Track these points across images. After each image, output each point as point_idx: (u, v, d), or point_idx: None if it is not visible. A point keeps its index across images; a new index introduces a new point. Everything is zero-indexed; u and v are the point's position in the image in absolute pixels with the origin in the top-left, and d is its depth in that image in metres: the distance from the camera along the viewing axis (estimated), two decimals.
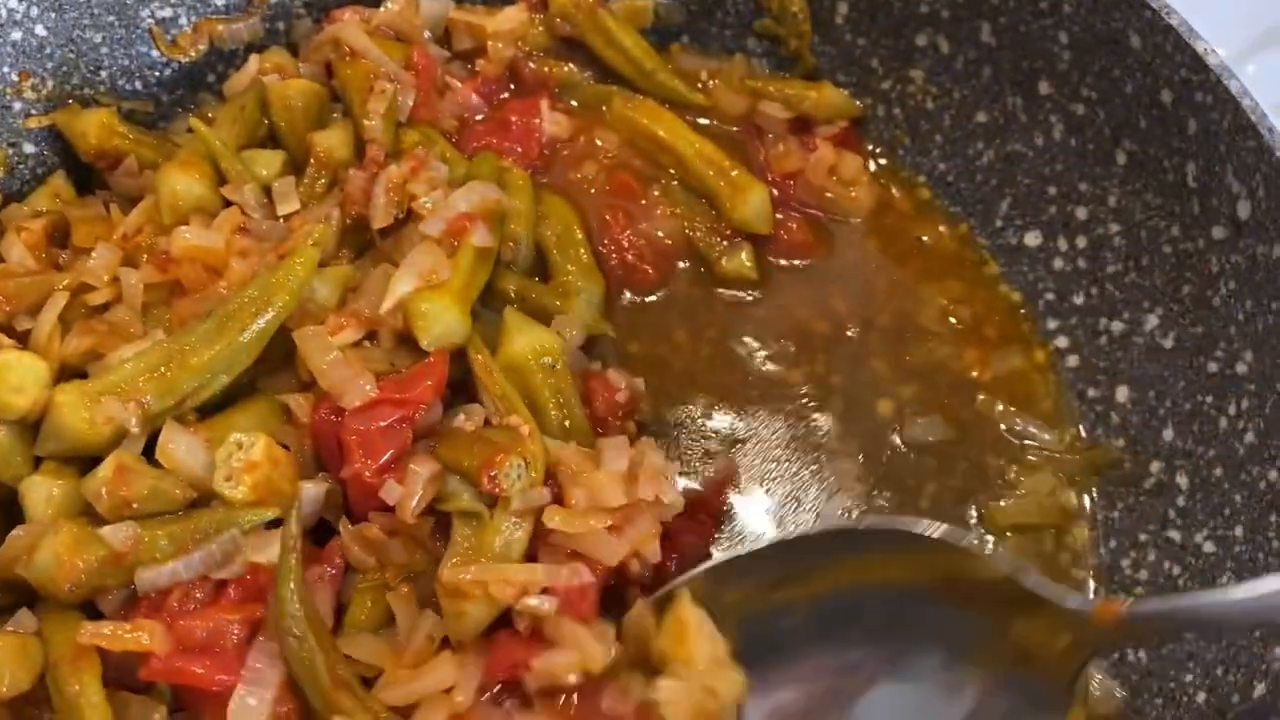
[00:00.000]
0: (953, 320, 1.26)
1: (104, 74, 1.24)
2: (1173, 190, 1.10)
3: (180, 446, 0.95)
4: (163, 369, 0.98)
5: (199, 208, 1.12)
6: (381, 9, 1.27)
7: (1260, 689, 0.94)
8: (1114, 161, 1.15)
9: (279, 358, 1.03)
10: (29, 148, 1.20)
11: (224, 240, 1.08)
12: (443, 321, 1.02)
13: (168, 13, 1.25)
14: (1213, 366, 1.08)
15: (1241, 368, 1.04)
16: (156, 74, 1.27)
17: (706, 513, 1.13)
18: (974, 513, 1.16)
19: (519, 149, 1.26)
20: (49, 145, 1.22)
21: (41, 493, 0.94)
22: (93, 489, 0.93)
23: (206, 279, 1.08)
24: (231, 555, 0.92)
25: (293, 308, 1.01)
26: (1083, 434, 1.19)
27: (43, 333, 1.04)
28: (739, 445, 1.18)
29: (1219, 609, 0.79)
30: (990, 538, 1.14)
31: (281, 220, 1.14)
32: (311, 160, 1.17)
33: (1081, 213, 1.20)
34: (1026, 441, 1.19)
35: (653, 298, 1.25)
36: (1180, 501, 1.09)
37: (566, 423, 1.05)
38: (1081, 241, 1.21)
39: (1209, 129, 1.04)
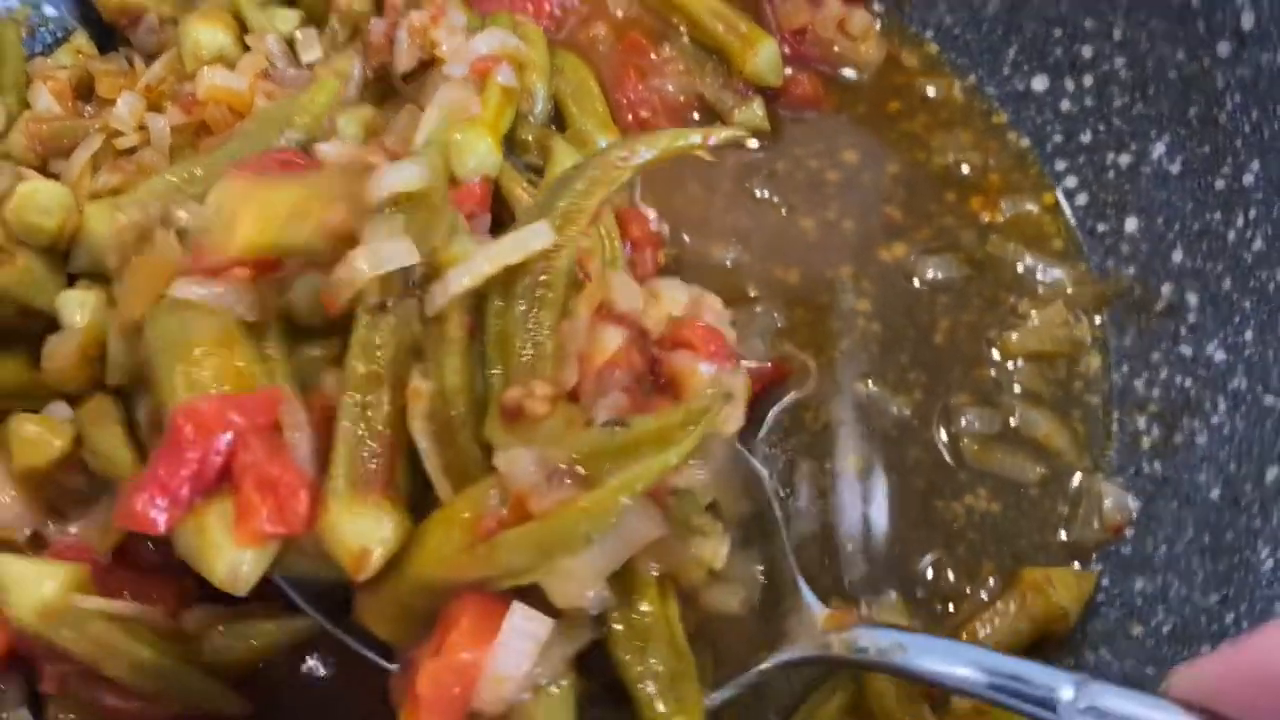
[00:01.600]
0: (964, 169, 1.28)
1: None
2: (1177, 14, 1.12)
3: None
4: (187, 187, 1.00)
5: (221, 57, 1.15)
6: None
7: (1273, 472, 0.96)
8: None
9: None
10: (49, 10, 1.22)
11: (249, 82, 1.10)
12: (477, 151, 1.03)
13: None
14: (1220, 183, 1.10)
15: (1248, 178, 1.07)
16: None
17: None
18: (988, 344, 1.18)
19: (530, 8, 1.28)
20: (69, 7, 1.24)
21: (75, 301, 0.96)
22: None
23: (232, 120, 1.10)
24: None
25: (314, 130, 1.03)
26: (1092, 267, 1.21)
27: (75, 169, 1.07)
28: (756, 297, 1.20)
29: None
30: (1007, 363, 1.16)
31: (306, 68, 1.16)
32: (332, 12, 1.19)
33: (1087, 50, 1.22)
34: (1038, 277, 1.21)
35: None
36: (1191, 318, 1.11)
37: (608, 254, 1.06)
38: (1088, 80, 1.23)
39: None
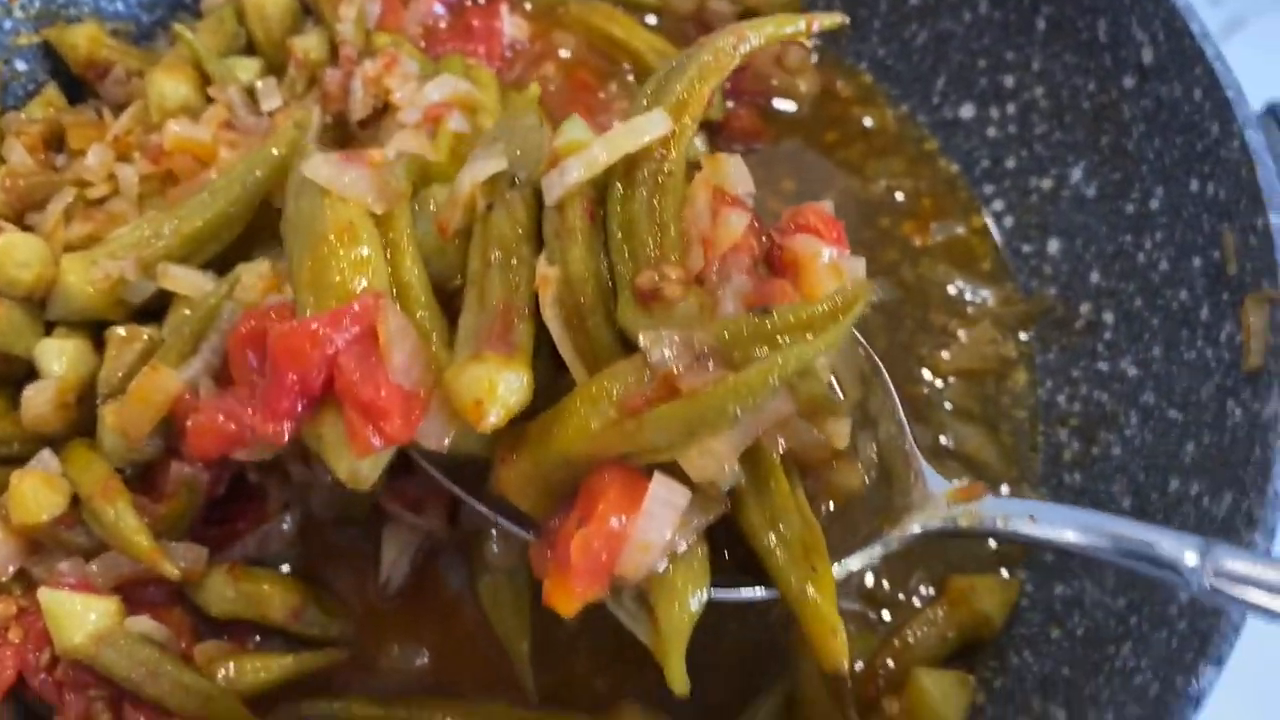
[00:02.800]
0: (897, 195, 1.35)
1: None
2: (1087, 48, 1.19)
3: (183, 272, 1.05)
4: (158, 238, 1.06)
5: (185, 107, 1.21)
6: None
7: (1174, 483, 1.03)
8: (1034, 28, 1.24)
9: (271, 231, 1.11)
10: (21, 65, 1.28)
11: (212, 132, 1.17)
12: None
13: None
14: (1130, 208, 1.17)
15: (1154, 203, 1.14)
16: None
17: None
18: (919, 363, 1.24)
19: (481, 51, 1.35)
20: (40, 62, 1.29)
21: (53, 350, 1.03)
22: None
23: (197, 168, 1.16)
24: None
25: (275, 178, 1.08)
26: (1019, 287, 1.28)
27: (49, 221, 1.12)
28: None
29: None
30: (938, 381, 1.23)
31: (266, 116, 1.22)
32: (291, 63, 1.25)
33: (1009, 80, 1.29)
34: (967, 297, 1.28)
35: None
36: (1107, 335, 1.18)
37: None
38: (1011, 108, 1.30)
39: None
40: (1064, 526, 0.84)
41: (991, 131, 1.32)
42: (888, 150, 1.37)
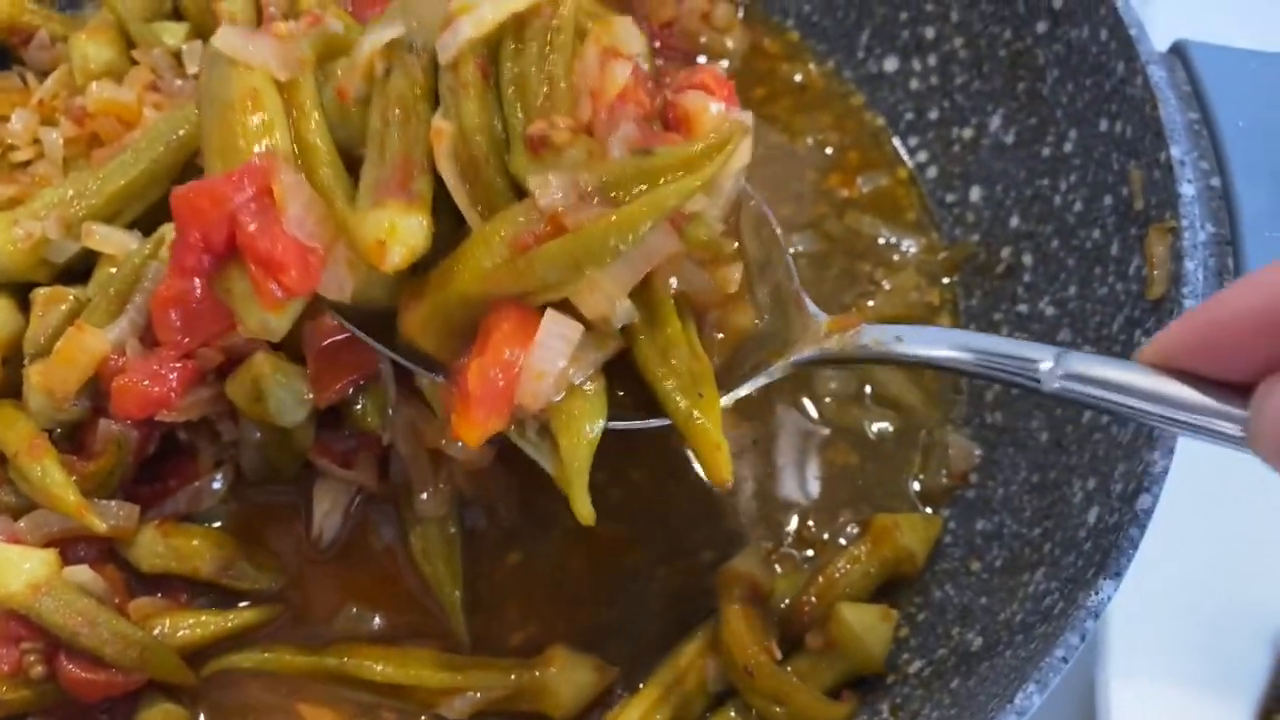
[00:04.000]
0: (827, 150, 1.37)
1: None
2: None
3: (107, 231, 1.06)
4: (81, 197, 1.07)
5: (110, 71, 1.21)
6: None
7: (1088, 414, 1.05)
8: None
9: None
10: None
11: (136, 94, 1.17)
12: None
13: None
14: (1046, 151, 1.19)
15: (1068, 146, 1.16)
16: None
17: None
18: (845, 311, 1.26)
19: None
20: None
21: None
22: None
23: (122, 131, 1.16)
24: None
25: (199, 137, 1.09)
26: (942, 235, 1.30)
27: None
28: None
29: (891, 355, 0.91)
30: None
31: (192, 79, 1.22)
32: (217, 26, 1.25)
33: (929, 32, 1.31)
34: (894, 246, 1.30)
35: None
36: (1026, 278, 1.20)
37: None
38: (932, 60, 1.32)
39: None
40: (931, 344, 0.89)
41: (914, 84, 1.34)
42: (815, 105, 1.39)
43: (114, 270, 1.05)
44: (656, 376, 0.87)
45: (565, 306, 0.83)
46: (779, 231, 1.01)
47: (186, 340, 0.97)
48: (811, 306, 0.98)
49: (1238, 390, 0.71)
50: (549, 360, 0.82)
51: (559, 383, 0.83)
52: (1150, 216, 1.02)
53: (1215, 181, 1.03)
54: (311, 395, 1.02)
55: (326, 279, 0.83)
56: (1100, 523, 0.92)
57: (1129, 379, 0.77)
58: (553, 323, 0.82)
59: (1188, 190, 0.98)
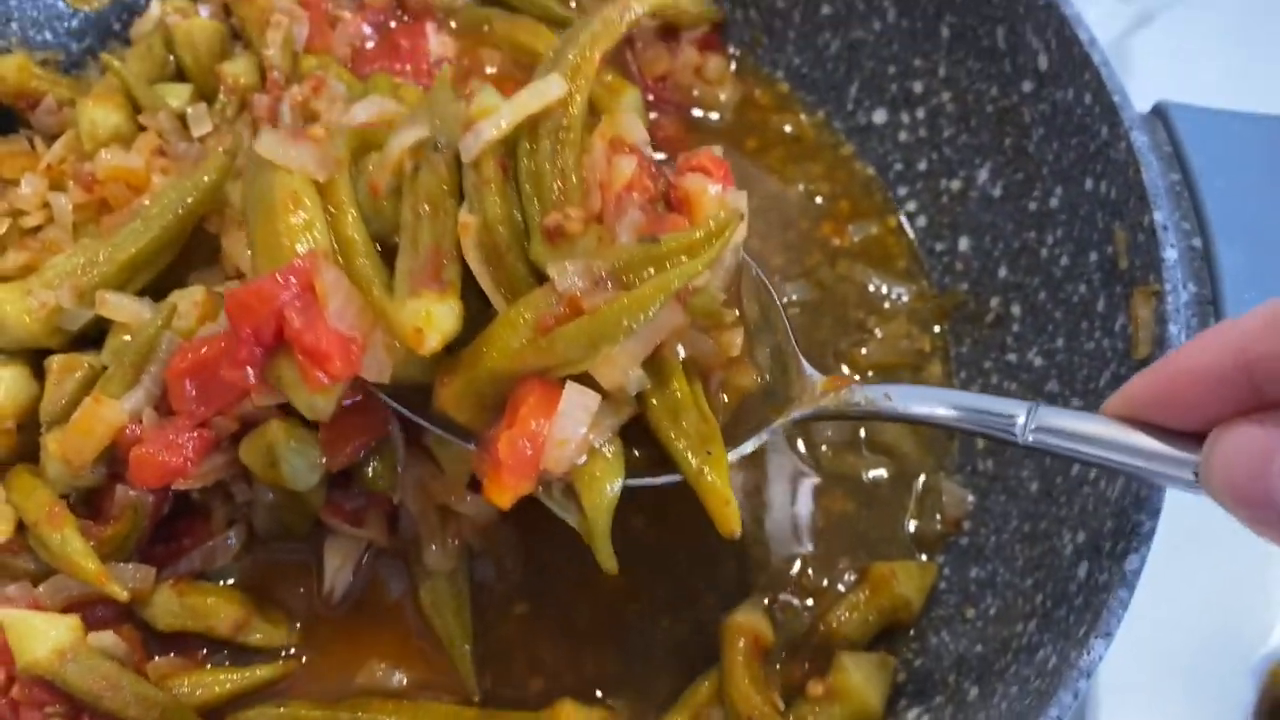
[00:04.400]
0: (817, 198, 1.40)
1: (14, 25, 1.33)
2: (988, 54, 1.25)
3: (119, 299, 1.08)
4: (93, 265, 1.09)
5: (117, 135, 1.23)
6: None
7: (1076, 466, 1.09)
8: (939, 36, 1.30)
9: (205, 256, 1.15)
10: None
11: (144, 160, 1.19)
12: None
13: None
14: (1032, 206, 1.23)
15: (1054, 201, 1.19)
16: (65, 24, 1.37)
17: None
18: (838, 359, 1.30)
19: (409, 69, 1.38)
20: None
21: None
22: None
23: (131, 196, 1.18)
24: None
25: (207, 203, 1.12)
26: (932, 283, 1.34)
27: None
28: None
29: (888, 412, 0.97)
30: (856, 376, 1.28)
31: (197, 142, 1.25)
32: (221, 88, 1.28)
33: (918, 86, 1.34)
34: (885, 294, 1.33)
35: None
36: (1015, 328, 1.24)
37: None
38: (920, 113, 1.35)
39: None
40: (916, 402, 0.96)
41: (903, 135, 1.37)
42: (806, 155, 1.42)
43: (128, 338, 1.08)
44: (669, 437, 0.94)
45: (584, 378, 0.90)
46: (777, 298, 1.07)
47: (202, 410, 1.00)
48: (807, 367, 1.04)
49: (1194, 439, 0.78)
50: (571, 428, 0.89)
51: (581, 447, 0.90)
52: (1135, 277, 1.05)
53: (1196, 242, 1.07)
54: (324, 460, 1.04)
55: (367, 363, 0.90)
56: (1091, 580, 0.96)
57: (1094, 430, 0.85)
58: (574, 394, 0.89)
59: (1170, 254, 1.01)
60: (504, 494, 0.88)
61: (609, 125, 0.96)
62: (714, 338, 0.98)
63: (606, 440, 0.92)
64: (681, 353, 0.96)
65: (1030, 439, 0.88)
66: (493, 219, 0.93)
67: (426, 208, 0.94)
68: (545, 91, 0.97)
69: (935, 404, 0.95)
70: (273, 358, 0.90)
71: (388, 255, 0.96)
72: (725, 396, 1.02)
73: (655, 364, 0.93)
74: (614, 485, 0.92)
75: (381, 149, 0.98)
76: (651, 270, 0.88)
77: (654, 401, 0.94)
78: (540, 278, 0.91)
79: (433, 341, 0.87)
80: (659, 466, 0.96)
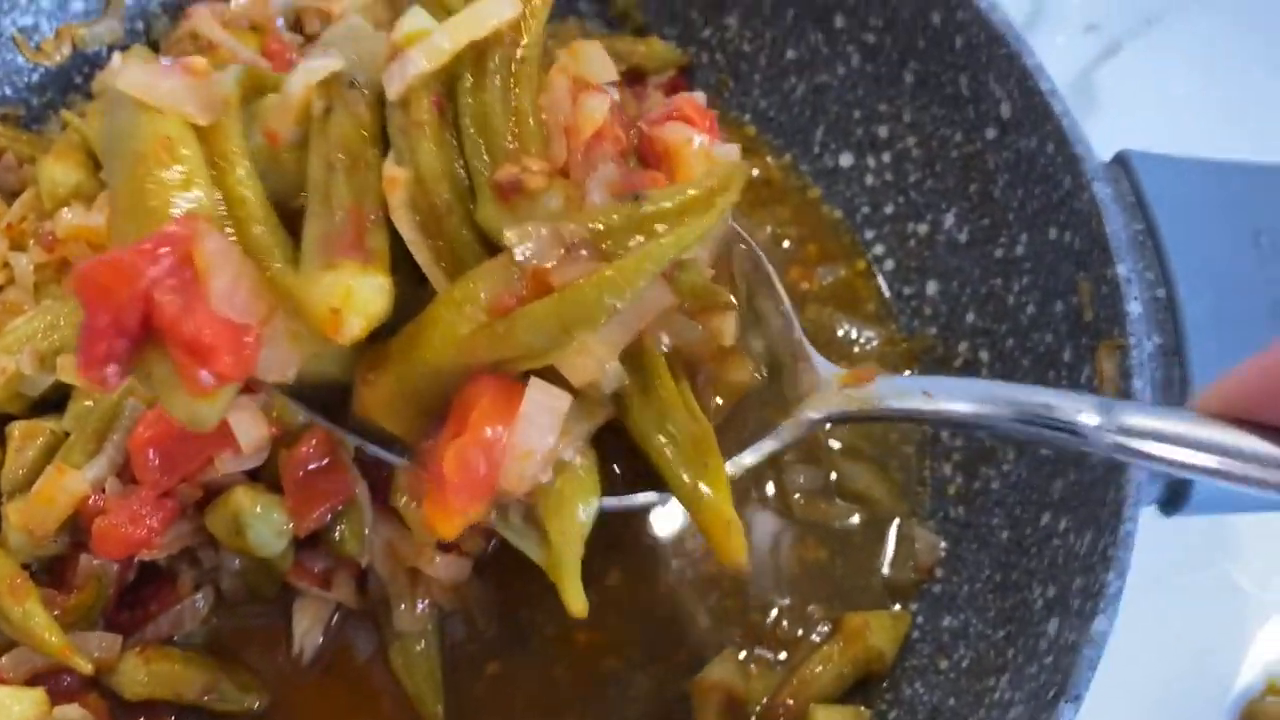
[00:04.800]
0: (785, 242, 1.40)
1: None
2: (952, 101, 1.25)
3: None
4: (53, 329, 1.08)
5: (78, 193, 1.22)
6: (233, 2, 1.37)
7: (1045, 518, 1.09)
8: (903, 81, 1.30)
9: None
10: None
11: (105, 219, 1.18)
12: None
13: (29, 20, 1.33)
14: (999, 252, 1.23)
15: (1020, 249, 1.20)
16: (24, 79, 1.36)
17: None
18: None
19: None
20: None
21: None
22: None
23: (92, 255, 1.17)
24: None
25: None
26: (901, 327, 1.34)
27: None
28: None
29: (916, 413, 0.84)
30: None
31: None
32: None
33: (883, 131, 1.35)
34: (853, 337, 1.33)
35: None
36: (983, 373, 1.24)
37: None
38: (886, 157, 1.35)
39: (971, 43, 1.19)
40: (961, 398, 0.81)
41: (870, 179, 1.38)
42: (774, 199, 1.42)
43: (90, 404, 1.06)
44: (654, 446, 0.78)
45: (549, 373, 0.73)
46: (775, 276, 0.93)
47: (165, 479, 0.99)
48: (818, 358, 0.90)
49: None
50: (536, 436, 0.72)
51: (547, 460, 0.73)
52: (1100, 330, 1.06)
53: (1160, 292, 1.08)
54: (290, 525, 1.03)
55: (265, 360, 0.70)
56: (1061, 639, 0.96)
57: (1193, 433, 0.71)
58: (539, 393, 0.72)
59: (1135, 308, 1.01)
60: (449, 521, 0.71)
61: (571, 60, 0.78)
62: (702, 323, 0.80)
63: (578, 451, 0.76)
64: (665, 342, 0.79)
65: (1110, 441, 0.72)
66: (428, 172, 0.74)
67: (341, 157, 0.73)
68: (492, 11, 0.76)
69: (986, 401, 0.80)
70: (140, 351, 0.68)
71: (291, 221, 0.74)
72: (717, 396, 0.87)
73: (634, 356, 0.77)
74: (587, 507, 0.75)
75: (280, 90, 0.76)
76: (639, 236, 0.71)
77: (634, 402, 0.78)
78: (491, 246, 0.73)
79: (354, 326, 0.68)
80: (640, 482, 0.81)
